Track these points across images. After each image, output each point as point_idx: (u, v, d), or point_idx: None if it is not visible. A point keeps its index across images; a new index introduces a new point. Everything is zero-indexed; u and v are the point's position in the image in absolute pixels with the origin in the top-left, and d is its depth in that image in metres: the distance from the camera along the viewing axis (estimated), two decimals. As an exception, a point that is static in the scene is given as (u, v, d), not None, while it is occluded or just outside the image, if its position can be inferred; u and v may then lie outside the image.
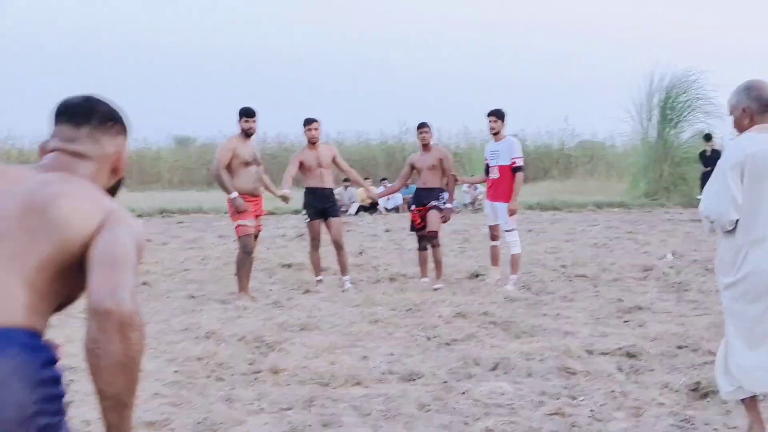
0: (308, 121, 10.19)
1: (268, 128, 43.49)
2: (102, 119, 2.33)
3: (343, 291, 9.82)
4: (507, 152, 10.00)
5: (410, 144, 41.69)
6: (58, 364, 2.02)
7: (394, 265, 12.03)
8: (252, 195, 9.33)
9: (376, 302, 8.94)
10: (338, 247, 10.19)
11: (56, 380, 2.00)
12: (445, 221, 10.33)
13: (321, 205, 10.23)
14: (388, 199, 24.80)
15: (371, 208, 24.25)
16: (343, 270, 10.23)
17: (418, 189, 10.53)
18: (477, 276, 10.80)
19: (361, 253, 13.58)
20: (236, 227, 9.29)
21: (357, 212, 23.86)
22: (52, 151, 2.29)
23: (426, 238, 10.32)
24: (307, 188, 10.30)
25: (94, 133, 2.31)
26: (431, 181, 10.33)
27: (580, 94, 69.76)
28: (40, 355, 1.96)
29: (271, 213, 22.64)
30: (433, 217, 10.17)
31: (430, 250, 10.41)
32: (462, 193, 25.49)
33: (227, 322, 7.89)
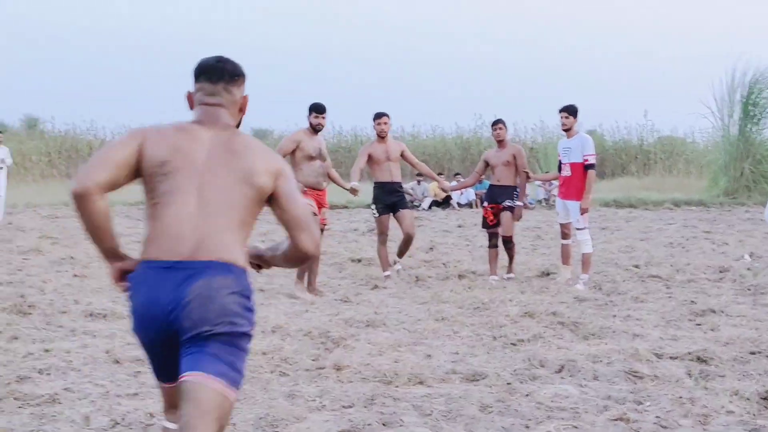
0: (378, 116, 10.29)
1: (344, 122, 43.80)
2: (231, 74, 3.15)
3: (395, 270, 10.29)
4: (579, 149, 9.91)
5: (486, 138, 41.46)
6: (252, 290, 2.97)
7: (464, 261, 11.98)
8: (314, 188, 9.37)
9: (444, 299, 8.91)
10: (408, 238, 10.26)
11: (250, 299, 2.94)
12: (516, 220, 10.36)
13: (390, 200, 10.29)
14: (462, 193, 24.74)
15: (444, 203, 24.20)
16: (400, 253, 10.45)
17: (491, 186, 10.57)
18: (547, 274, 10.70)
19: (431, 248, 13.56)
20: None
21: (429, 207, 23.82)
22: (199, 104, 3.14)
23: (496, 236, 10.40)
24: (376, 182, 10.37)
25: (227, 86, 3.15)
26: (505, 178, 10.38)
27: (660, 89, 68.64)
28: (243, 281, 2.91)
29: (344, 207, 22.80)
30: (507, 220, 10.28)
31: (501, 248, 10.46)
32: (536, 189, 25.26)
33: (294, 316, 7.94)
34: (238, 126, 3.18)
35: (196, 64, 3.18)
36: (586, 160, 9.89)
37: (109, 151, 2.95)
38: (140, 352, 6.41)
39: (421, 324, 7.68)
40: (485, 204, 10.58)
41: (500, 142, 10.47)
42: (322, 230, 9.54)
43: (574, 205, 9.91)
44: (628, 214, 21.68)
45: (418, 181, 24.92)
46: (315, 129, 9.36)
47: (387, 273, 10.30)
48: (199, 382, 2.80)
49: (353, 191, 9.74)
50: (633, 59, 76.28)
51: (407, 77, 77.38)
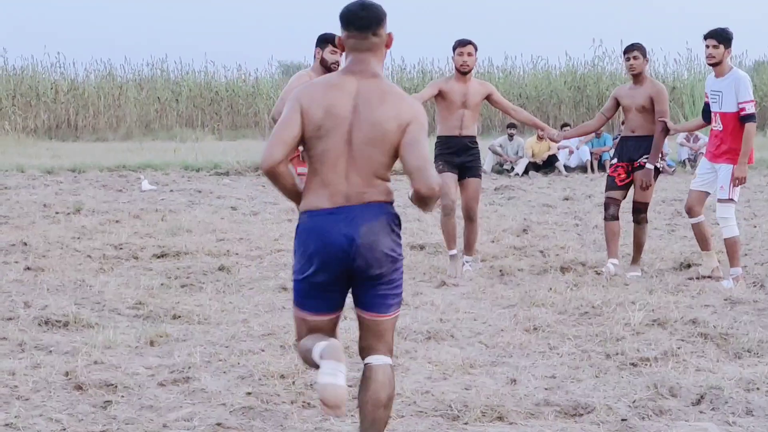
0: (460, 43, 10.54)
1: (407, 53, 43.63)
2: (377, 20, 4.89)
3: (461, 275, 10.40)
4: (732, 93, 9.82)
5: (609, 75, 41.14)
6: (398, 214, 4.88)
7: (569, 248, 11.94)
8: None
9: (538, 302, 8.89)
10: (469, 218, 10.68)
11: (399, 226, 4.90)
12: (645, 188, 10.52)
13: (459, 158, 10.55)
14: (571, 153, 24.55)
15: (546, 165, 24.08)
16: (468, 248, 10.83)
17: (623, 138, 10.87)
18: (688, 266, 10.62)
19: (525, 230, 13.55)
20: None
21: (526, 172, 23.73)
22: (351, 50, 4.92)
23: (617, 203, 10.67)
24: (439, 137, 10.61)
25: (375, 30, 4.89)
26: (642, 126, 10.57)
27: None
28: (391, 213, 4.83)
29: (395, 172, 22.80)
30: (645, 179, 10.47)
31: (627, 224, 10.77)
32: (677, 146, 24.97)
33: (327, 325, 7.96)
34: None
35: (342, 12, 4.95)
36: (743, 110, 9.76)
37: (282, 131, 4.85)
38: (107, 375, 6.53)
39: (504, 336, 7.69)
40: (614, 161, 10.81)
41: (636, 77, 10.56)
42: None
43: (725, 170, 9.82)
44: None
45: (510, 135, 24.77)
46: (330, 68, 9.47)
47: (453, 252, 10.54)
48: (375, 320, 4.96)
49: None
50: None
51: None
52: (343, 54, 5.05)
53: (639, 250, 10.68)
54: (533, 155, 24.23)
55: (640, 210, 10.65)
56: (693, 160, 23.81)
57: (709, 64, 9.99)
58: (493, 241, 12.53)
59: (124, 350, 7.28)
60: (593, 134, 22.73)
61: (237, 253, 11.67)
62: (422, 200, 4.77)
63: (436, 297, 9.24)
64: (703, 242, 10.28)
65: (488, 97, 10.63)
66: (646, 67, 10.57)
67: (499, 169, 24.19)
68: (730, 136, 9.84)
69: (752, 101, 9.83)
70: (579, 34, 75.35)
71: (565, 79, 42.85)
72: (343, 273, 4.83)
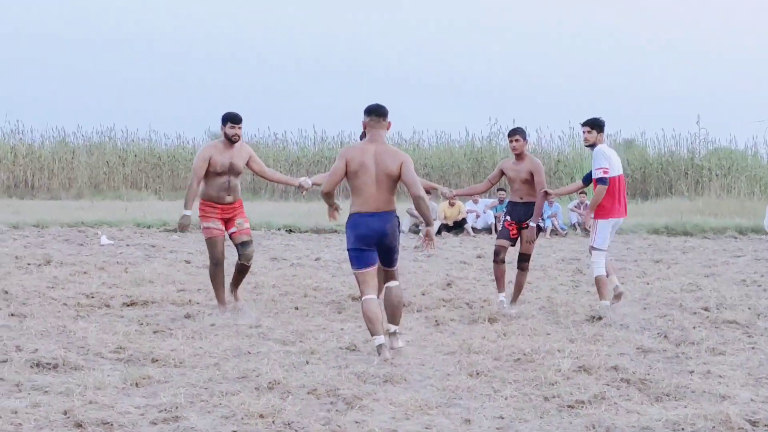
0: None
1: (328, 127, 43.86)
2: (384, 113, 8.57)
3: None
4: (595, 163, 11.03)
5: (503, 148, 41.54)
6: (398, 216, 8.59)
7: (491, 301, 11.87)
8: (216, 203, 10.85)
9: (475, 349, 8.83)
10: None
11: (400, 224, 8.69)
12: (530, 242, 11.36)
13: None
14: (478, 217, 24.71)
15: (456, 227, 24.15)
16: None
17: (513, 203, 11.48)
18: (599, 318, 10.61)
19: (449, 284, 13.49)
20: (203, 230, 10.86)
21: (439, 232, 23.74)
22: (370, 128, 8.55)
23: (505, 250, 11.43)
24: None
25: (383, 120, 8.55)
26: (528, 194, 11.31)
27: (715, 93, 68.75)
28: (395, 219, 8.50)
29: (333, 231, 22.69)
30: (530, 234, 11.27)
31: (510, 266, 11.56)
32: (568, 212, 25.27)
33: (292, 369, 7.84)
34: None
35: (367, 107, 8.57)
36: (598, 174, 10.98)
37: (337, 169, 8.39)
38: (103, 413, 6.33)
39: (451, 380, 7.60)
40: (507, 218, 11.50)
41: (518, 155, 11.31)
42: (245, 243, 10.96)
43: (593, 223, 11.19)
44: (684, 243, 21.65)
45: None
46: (231, 140, 10.76)
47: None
48: (391, 270, 8.65)
49: (301, 188, 11.05)
50: (682, 57, 76.41)
51: (406, 70, 77.24)
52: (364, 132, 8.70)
53: (519, 290, 11.65)
54: (445, 218, 24.40)
55: (524, 259, 11.45)
56: (581, 224, 24.07)
57: (586, 146, 11.19)
58: (423, 294, 12.44)
59: (113, 391, 7.06)
60: (498, 201, 23.23)
61: (198, 303, 11.47)
62: (417, 203, 8.24)
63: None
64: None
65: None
66: (526, 147, 11.36)
67: (415, 230, 23.88)
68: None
69: (603, 168, 10.94)
70: (479, 113, 75.89)
71: (465, 152, 43.20)
72: (377, 244, 8.43)
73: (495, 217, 24.45)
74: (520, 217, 11.30)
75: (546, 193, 11.22)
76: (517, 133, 11.26)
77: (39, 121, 71.41)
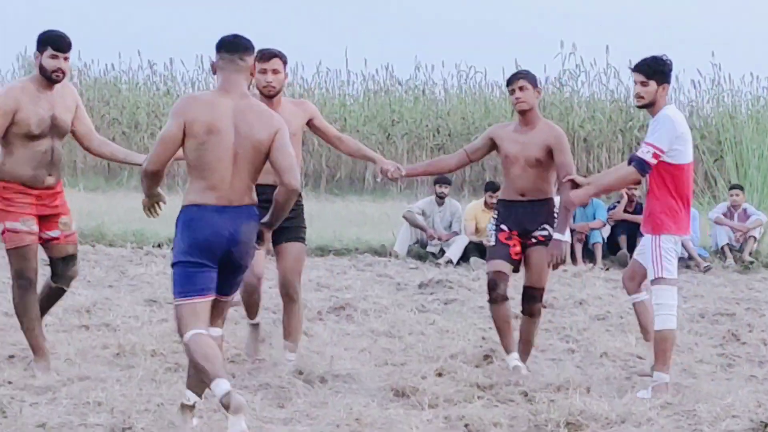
0: (262, 57, 8.40)
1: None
2: (244, 47, 6.39)
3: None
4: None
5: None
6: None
7: (570, 390, 7.84)
8: (28, 186, 8.22)
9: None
10: (288, 297, 8.74)
11: (256, 225, 6.39)
12: (555, 267, 8.56)
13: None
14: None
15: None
16: (289, 335, 8.81)
17: (508, 203, 8.76)
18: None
19: (486, 357, 9.13)
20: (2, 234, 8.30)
21: (465, 257, 15.88)
22: (221, 71, 6.38)
23: (504, 283, 8.61)
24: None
25: (243, 58, 6.33)
26: (536, 187, 8.63)
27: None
28: (255, 219, 6.29)
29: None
30: (539, 259, 8.56)
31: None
32: (709, 224, 17.54)
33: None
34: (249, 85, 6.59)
35: (218, 41, 6.42)
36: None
37: (169, 135, 6.28)
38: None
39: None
40: (504, 227, 8.65)
41: (522, 114, 8.56)
42: (69, 258, 8.37)
43: (647, 241, 8.39)
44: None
45: (440, 196, 16.66)
46: (51, 78, 8.15)
47: (255, 321, 9.05)
48: (224, 302, 6.53)
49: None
50: None
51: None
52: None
53: (527, 349, 8.74)
54: (477, 231, 15.62)
55: (535, 297, 8.65)
56: (738, 249, 16.87)
57: (638, 106, 8.64)
58: (440, 375, 8.24)
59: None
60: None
61: (10, 382, 7.60)
62: (287, 195, 6.23)
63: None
64: (642, 328, 8.72)
65: (309, 122, 8.73)
66: (534, 102, 8.70)
67: (420, 252, 16.01)
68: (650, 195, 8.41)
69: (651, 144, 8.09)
70: (537, 35, 65.48)
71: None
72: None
73: (572, 231, 15.23)
74: (525, 224, 8.55)
75: (573, 183, 8.42)
76: (520, 76, 8.64)
77: None
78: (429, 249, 16.16)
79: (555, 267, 8.58)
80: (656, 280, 8.14)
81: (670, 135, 8.06)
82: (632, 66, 8.43)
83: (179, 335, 6.22)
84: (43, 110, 7.98)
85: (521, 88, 8.56)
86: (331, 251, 15.99)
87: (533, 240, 8.54)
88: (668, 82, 8.29)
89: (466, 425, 6.96)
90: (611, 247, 16.07)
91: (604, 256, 15.89)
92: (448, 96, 31.10)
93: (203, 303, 6.17)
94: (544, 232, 8.53)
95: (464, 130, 29.17)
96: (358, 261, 15.34)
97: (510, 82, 8.72)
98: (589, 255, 15.91)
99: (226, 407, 5.79)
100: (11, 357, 8.70)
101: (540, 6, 55.57)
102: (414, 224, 16.22)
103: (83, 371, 8.13)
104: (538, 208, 8.60)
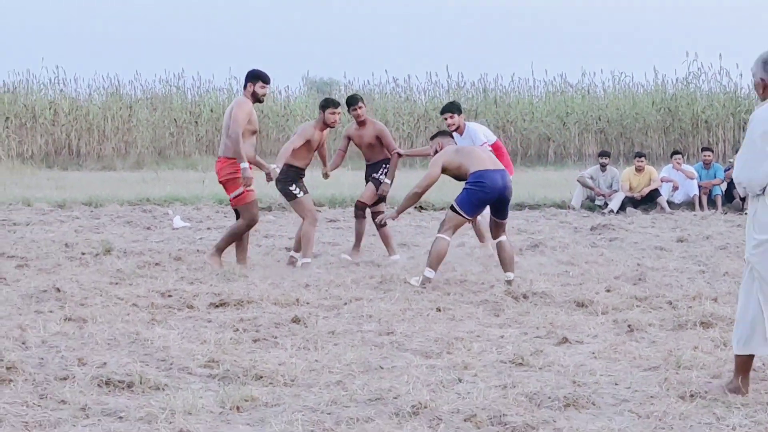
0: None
1: (466, 70, 44.03)
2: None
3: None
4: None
5: (706, 93, 41.02)
6: None
7: (703, 299, 11.77)
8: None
9: (686, 363, 8.70)
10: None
11: None
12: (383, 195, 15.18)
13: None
14: (675, 189, 24.45)
15: (646, 201, 23.97)
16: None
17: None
18: None
19: (641, 278, 13.34)
20: (244, 193, 14.05)
21: (622, 208, 23.92)
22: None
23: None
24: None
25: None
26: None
27: None
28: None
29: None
30: (368, 190, 15.18)
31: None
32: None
33: (441, 388, 7.87)
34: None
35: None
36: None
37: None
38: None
39: (657, 404, 7.53)
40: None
41: (361, 123, 15.66)
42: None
43: None
44: None
45: (603, 165, 24.88)
46: (259, 100, 14.42)
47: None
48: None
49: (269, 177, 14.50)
50: None
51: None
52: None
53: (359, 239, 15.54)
54: (630, 189, 24.52)
55: (357, 208, 15.51)
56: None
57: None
58: (609, 290, 12.34)
59: (208, 417, 7.15)
60: (701, 166, 23.63)
61: (308, 302, 11.54)
62: None
63: (561, 356, 9.15)
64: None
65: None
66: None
67: (590, 205, 24.53)
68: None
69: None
70: (669, 47, 75.26)
71: (653, 100, 42.73)
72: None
73: (699, 187, 24.40)
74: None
75: (398, 155, 15.26)
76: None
77: (85, 68, 72.82)
78: (596, 203, 24.76)
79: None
80: None
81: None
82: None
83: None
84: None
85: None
86: (526, 206, 24.17)
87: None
88: None
89: (629, 326, 10.37)
90: (728, 197, 24.67)
91: (723, 204, 24.44)
92: (606, 94, 46.62)
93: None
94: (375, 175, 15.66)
95: (618, 119, 45.06)
96: (546, 212, 23.35)
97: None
98: (711, 204, 24.58)
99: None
100: (307, 285, 12.55)
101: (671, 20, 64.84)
102: (585, 185, 24.96)
103: (357, 293, 11.96)
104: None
